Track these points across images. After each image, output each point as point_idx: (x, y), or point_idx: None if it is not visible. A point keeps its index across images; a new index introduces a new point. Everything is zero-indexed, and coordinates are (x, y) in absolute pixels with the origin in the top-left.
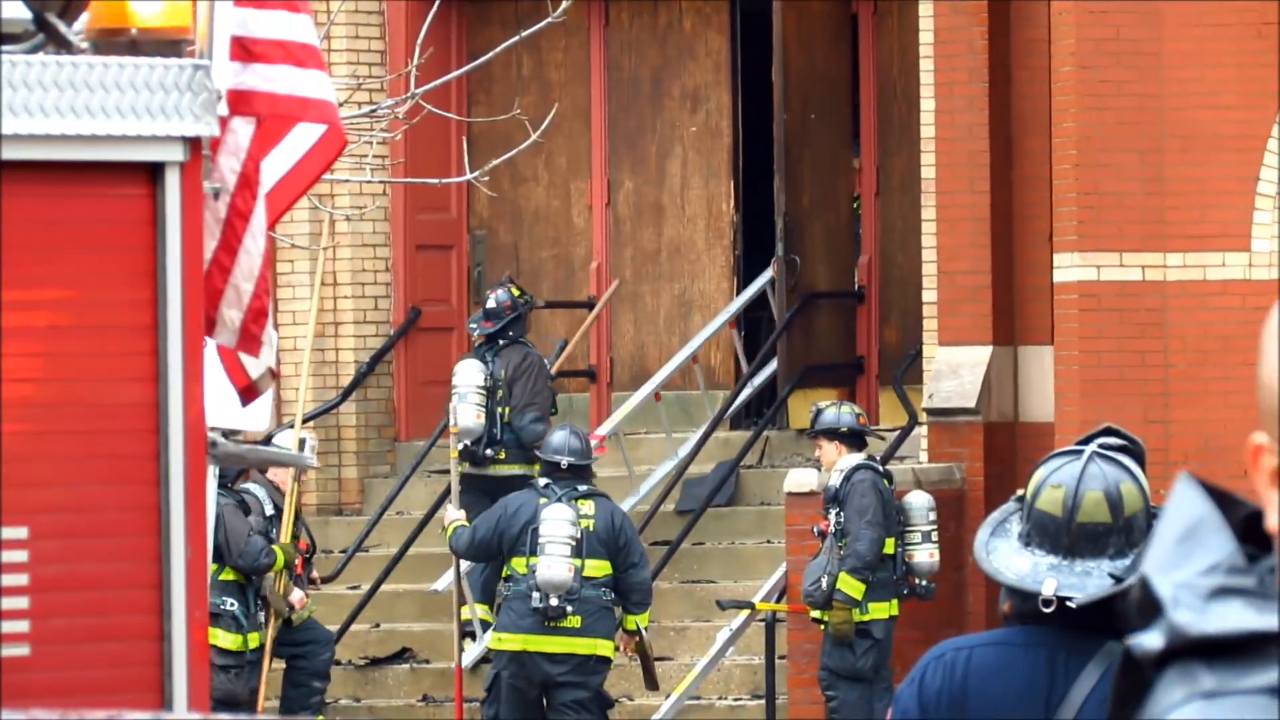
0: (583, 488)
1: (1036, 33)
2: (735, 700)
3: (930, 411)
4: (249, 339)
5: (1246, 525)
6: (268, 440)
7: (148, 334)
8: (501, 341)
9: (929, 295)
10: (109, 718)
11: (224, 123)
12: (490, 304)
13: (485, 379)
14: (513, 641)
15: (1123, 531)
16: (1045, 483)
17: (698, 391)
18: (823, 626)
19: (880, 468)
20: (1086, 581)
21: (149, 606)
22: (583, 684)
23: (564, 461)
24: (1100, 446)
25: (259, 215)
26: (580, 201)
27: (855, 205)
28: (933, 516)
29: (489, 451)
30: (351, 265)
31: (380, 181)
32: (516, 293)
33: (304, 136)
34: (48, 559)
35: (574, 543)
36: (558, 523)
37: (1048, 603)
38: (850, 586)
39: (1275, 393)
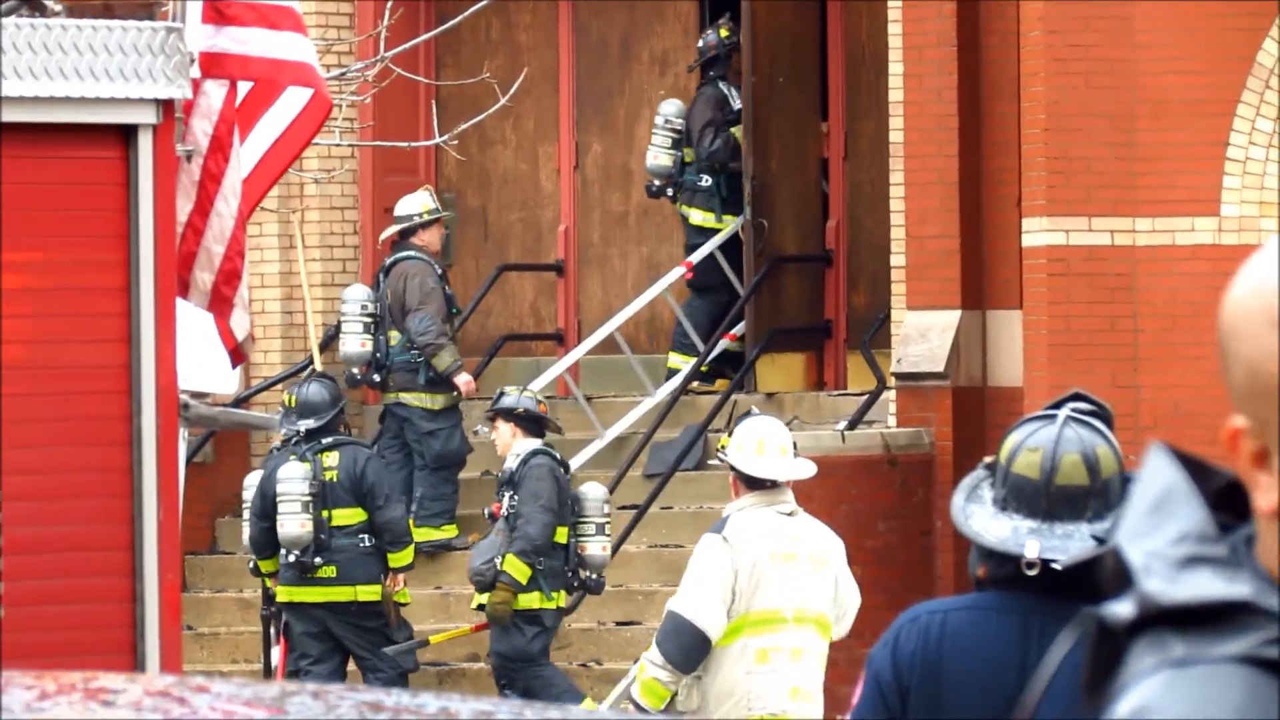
0: (327, 440)
1: None
2: None
3: (899, 376)
4: (220, 301)
5: (1222, 494)
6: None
7: (120, 296)
8: (703, 78)
9: (897, 259)
10: (84, 679)
11: (197, 85)
12: (699, 43)
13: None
14: (283, 594)
15: (1100, 494)
16: (1021, 446)
17: (665, 355)
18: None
19: (558, 456)
20: (1069, 544)
21: (121, 568)
22: (359, 625)
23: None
24: (1072, 411)
25: (232, 178)
26: (548, 165)
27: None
28: (607, 509)
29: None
30: (320, 228)
31: (349, 145)
32: (724, 33)
33: (290, 103)
34: (20, 520)
35: (308, 498)
36: (288, 481)
37: (1031, 565)
38: (515, 569)
39: (1260, 372)
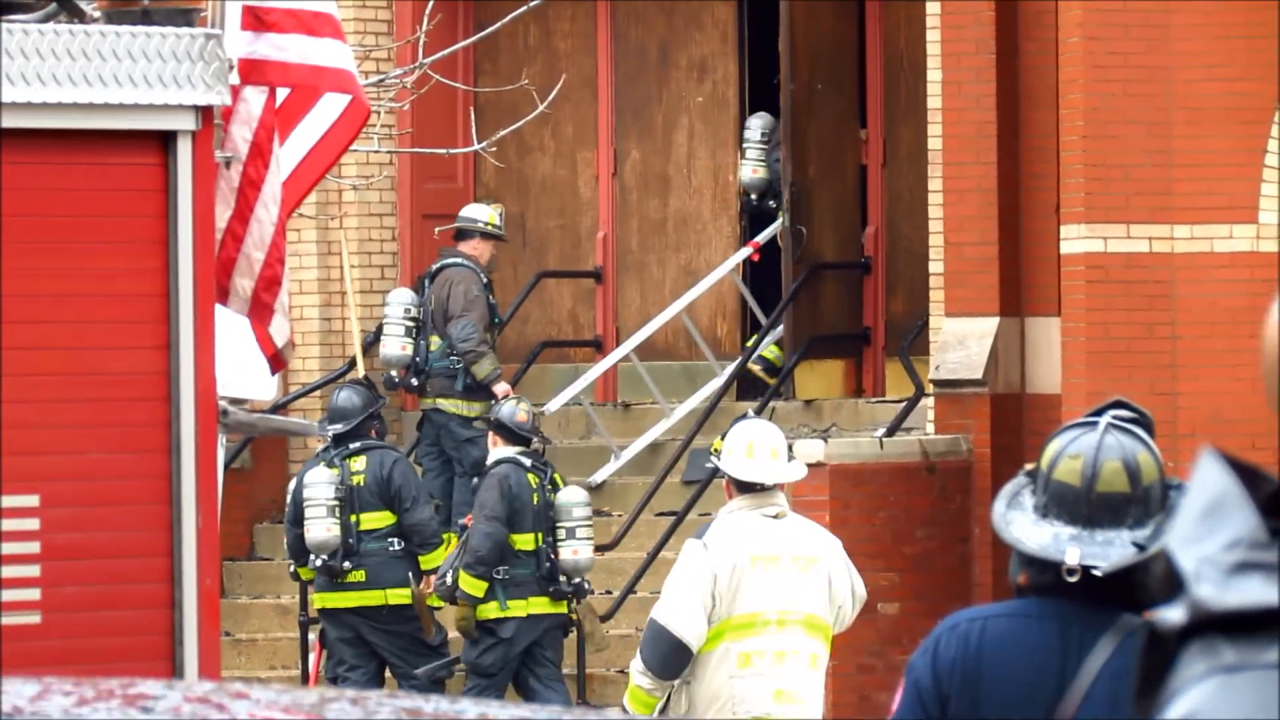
0: (355, 445)
1: (1043, 4)
2: None
3: (937, 383)
4: (260, 307)
5: (1272, 500)
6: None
7: (159, 302)
8: None
9: (936, 266)
10: (123, 685)
11: (236, 92)
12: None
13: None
14: (318, 600)
15: (1141, 501)
16: (1062, 454)
17: (705, 362)
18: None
19: (528, 462)
20: (1109, 551)
21: (160, 575)
22: (392, 631)
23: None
24: (1113, 418)
25: (271, 184)
26: (587, 172)
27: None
28: (579, 513)
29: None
30: (358, 235)
31: (387, 151)
32: None
33: (328, 109)
34: (59, 527)
35: (334, 503)
36: (315, 486)
37: (1072, 572)
38: (467, 583)
39: None
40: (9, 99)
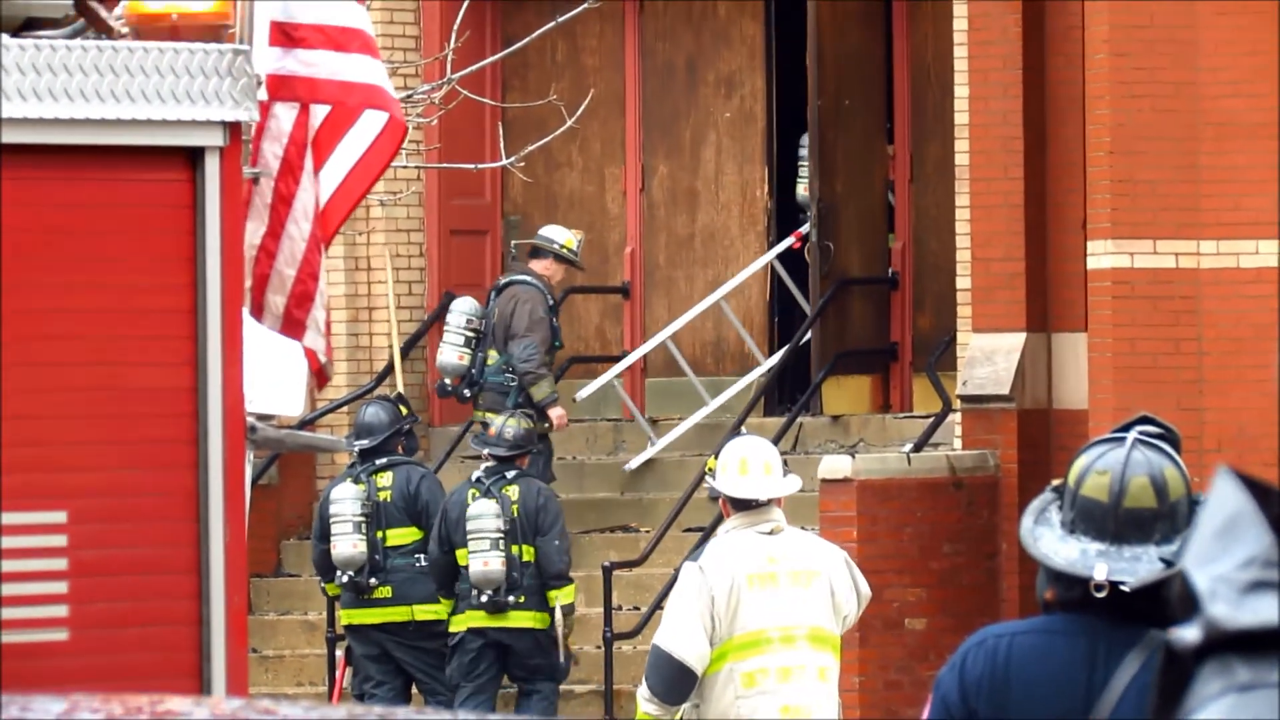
0: (381, 460)
1: (1070, 19)
2: None
3: (964, 398)
4: (293, 323)
5: None
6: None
7: (186, 318)
8: None
9: (963, 282)
10: (150, 702)
11: (266, 108)
12: None
13: None
14: (345, 616)
15: (1168, 517)
16: (1090, 469)
17: (732, 377)
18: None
19: (474, 477)
20: (1137, 566)
21: (187, 591)
22: (419, 647)
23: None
24: (1140, 434)
25: (303, 200)
26: (614, 187)
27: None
28: (473, 526)
29: None
30: (385, 250)
31: (415, 167)
32: None
33: (366, 128)
34: (86, 543)
35: (360, 519)
36: (341, 502)
37: (1099, 587)
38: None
39: None
40: (35, 115)
